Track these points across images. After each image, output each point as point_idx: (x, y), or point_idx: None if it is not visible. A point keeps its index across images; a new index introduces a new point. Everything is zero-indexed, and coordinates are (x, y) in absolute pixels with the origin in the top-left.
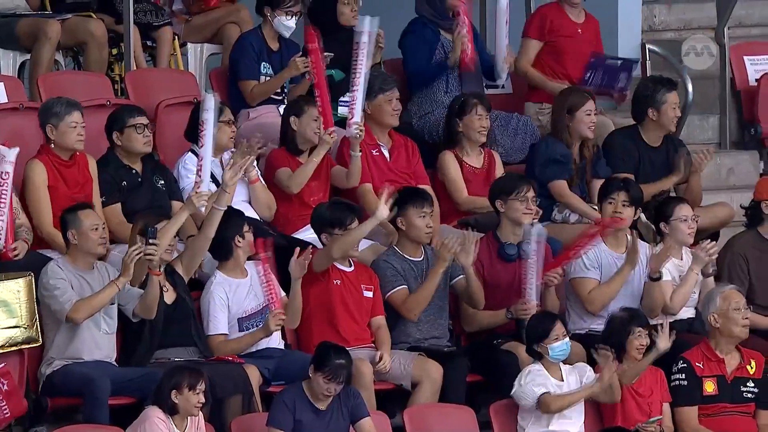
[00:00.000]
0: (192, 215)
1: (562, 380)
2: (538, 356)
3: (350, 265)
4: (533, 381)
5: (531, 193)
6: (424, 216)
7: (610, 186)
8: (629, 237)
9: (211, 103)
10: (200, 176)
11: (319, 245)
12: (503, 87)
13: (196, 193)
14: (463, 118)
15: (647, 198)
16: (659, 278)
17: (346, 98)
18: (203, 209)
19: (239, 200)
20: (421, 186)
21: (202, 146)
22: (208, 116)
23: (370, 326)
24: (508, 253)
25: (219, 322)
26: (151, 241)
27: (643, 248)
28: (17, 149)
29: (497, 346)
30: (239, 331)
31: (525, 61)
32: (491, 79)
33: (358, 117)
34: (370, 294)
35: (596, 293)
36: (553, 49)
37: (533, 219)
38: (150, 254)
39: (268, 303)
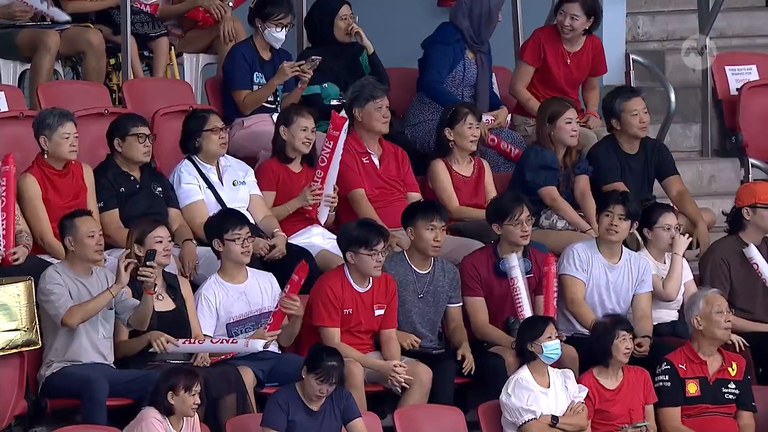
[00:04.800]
0: (189, 223)
1: (549, 386)
2: (530, 357)
3: (368, 283)
4: (520, 397)
5: (525, 214)
6: (432, 229)
7: (608, 199)
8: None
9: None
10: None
11: (313, 251)
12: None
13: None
14: (455, 127)
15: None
16: None
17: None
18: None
19: (240, 206)
20: (412, 193)
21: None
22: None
23: (373, 338)
24: (502, 269)
25: (202, 325)
26: (148, 263)
27: (632, 257)
28: None
29: (485, 349)
30: (228, 336)
31: (522, 86)
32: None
33: (323, 216)
34: (381, 312)
35: (577, 308)
36: (543, 75)
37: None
38: (145, 276)
39: (271, 320)
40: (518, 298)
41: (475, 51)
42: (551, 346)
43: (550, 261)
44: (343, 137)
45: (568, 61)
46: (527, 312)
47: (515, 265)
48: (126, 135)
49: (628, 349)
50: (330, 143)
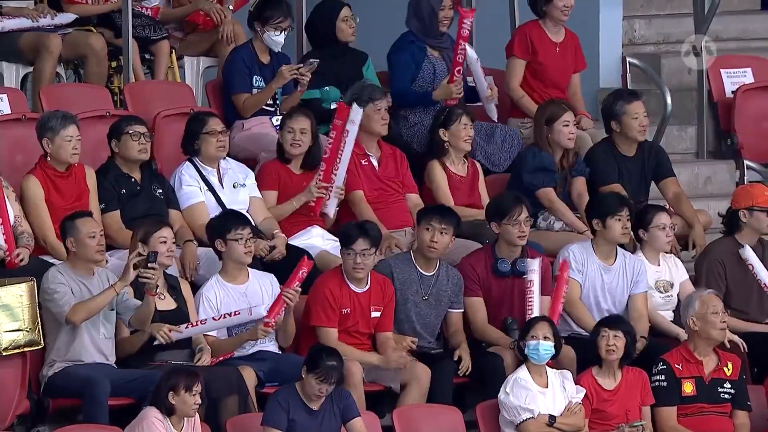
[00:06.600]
0: (189, 225)
1: (547, 386)
2: (523, 355)
3: (366, 284)
4: (518, 396)
5: (524, 215)
6: (428, 229)
7: (613, 204)
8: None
9: None
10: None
11: (313, 252)
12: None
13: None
14: (450, 128)
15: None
16: None
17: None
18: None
19: (240, 209)
20: (411, 194)
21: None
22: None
23: (371, 339)
24: (500, 269)
25: None
26: (150, 265)
27: (627, 258)
28: None
29: (483, 348)
30: (228, 335)
31: (515, 82)
32: (470, 102)
33: (332, 207)
34: (377, 314)
35: (574, 308)
36: (534, 69)
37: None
38: (147, 277)
39: (267, 312)
40: (530, 300)
41: (439, 48)
42: (533, 346)
43: (565, 267)
44: (354, 131)
45: (557, 49)
46: (535, 313)
47: (535, 269)
48: (121, 134)
49: (609, 346)
50: (333, 133)
